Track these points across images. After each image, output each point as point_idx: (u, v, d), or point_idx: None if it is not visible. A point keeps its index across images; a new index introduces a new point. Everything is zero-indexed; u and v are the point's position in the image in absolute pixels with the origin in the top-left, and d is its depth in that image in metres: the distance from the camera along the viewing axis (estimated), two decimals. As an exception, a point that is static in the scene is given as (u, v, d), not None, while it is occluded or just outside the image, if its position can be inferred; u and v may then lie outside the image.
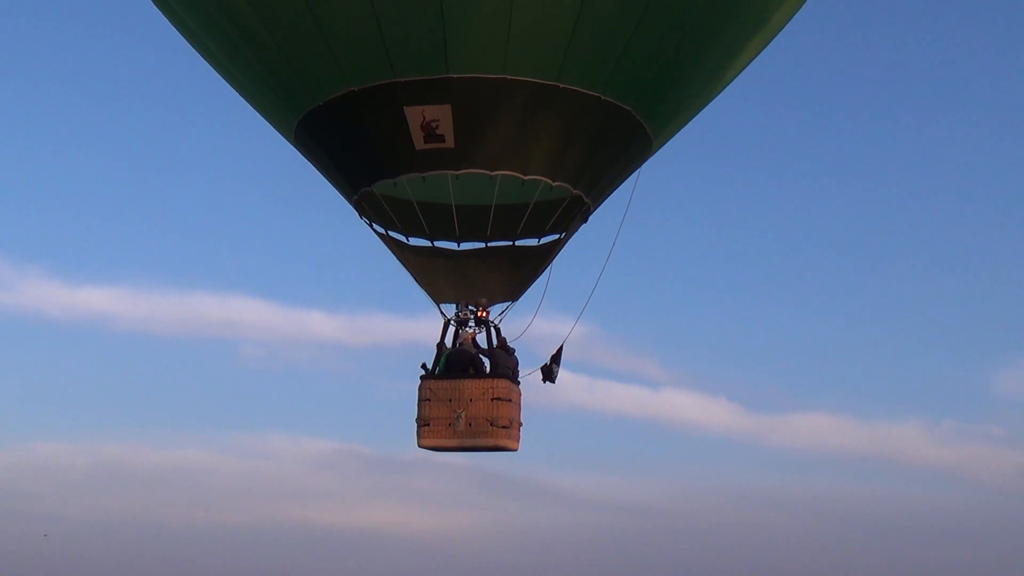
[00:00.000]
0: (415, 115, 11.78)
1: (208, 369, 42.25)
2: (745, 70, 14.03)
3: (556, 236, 13.25)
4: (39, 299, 40.32)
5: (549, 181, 12.31)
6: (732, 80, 13.69)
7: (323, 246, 44.98)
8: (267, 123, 14.00)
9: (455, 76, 11.51)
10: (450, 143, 11.89)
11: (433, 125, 11.83)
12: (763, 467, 39.40)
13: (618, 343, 40.07)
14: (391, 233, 13.31)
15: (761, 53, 13.79)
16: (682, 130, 14.14)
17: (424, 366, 12.91)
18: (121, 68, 44.84)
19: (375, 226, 13.32)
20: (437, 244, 13.20)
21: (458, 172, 12.07)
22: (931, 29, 43.59)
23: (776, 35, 13.56)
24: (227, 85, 13.89)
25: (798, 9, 13.35)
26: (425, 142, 11.94)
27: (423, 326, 13.66)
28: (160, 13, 13.48)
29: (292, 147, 13.80)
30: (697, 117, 14.20)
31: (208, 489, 37.14)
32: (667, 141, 13.60)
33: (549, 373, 13.63)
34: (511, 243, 13.11)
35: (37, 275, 41.13)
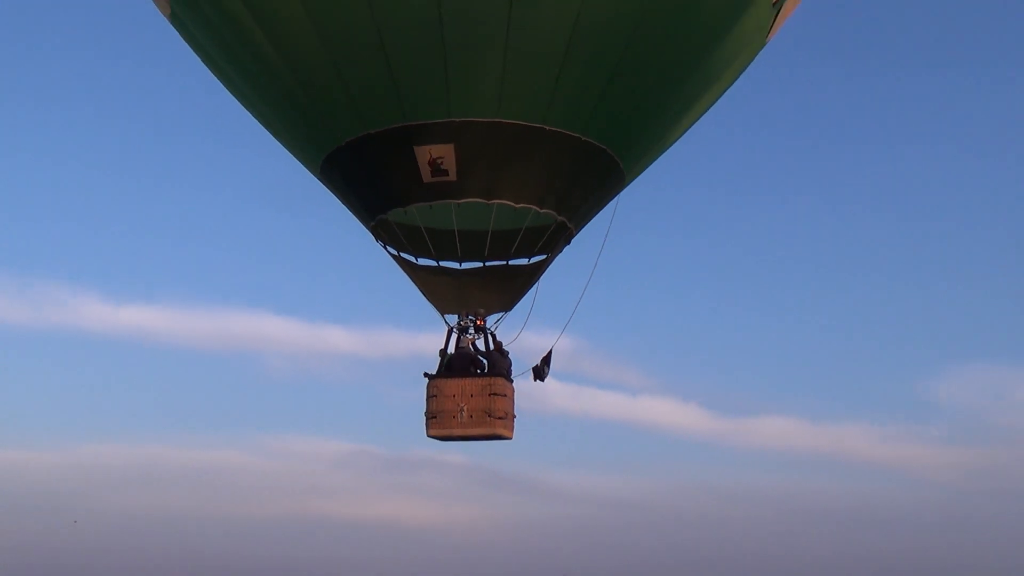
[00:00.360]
0: (423, 153, 13.11)
1: (238, 379, 44.59)
2: (707, 112, 15.33)
3: (543, 256, 14.58)
4: (88, 318, 42.72)
5: (537, 209, 13.63)
6: (696, 121, 15.04)
7: (342, 268, 47.45)
8: (294, 159, 15.28)
9: (457, 120, 12.86)
10: (453, 177, 13.22)
11: (439, 161, 13.14)
12: (730, 465, 41.86)
13: (601, 354, 42.01)
14: (402, 254, 14.67)
15: (721, 96, 15.10)
16: (655, 163, 15.48)
17: (426, 374, 14.21)
18: (167, 109, 47.51)
19: (389, 248, 14.67)
20: (442, 264, 14.53)
21: (460, 201, 13.41)
22: (871, 67, 46.87)
23: (735, 80, 14.93)
24: (260, 125, 15.22)
25: (753, 59, 14.73)
26: (432, 176, 13.25)
27: (428, 340, 15.03)
28: (205, 65, 14.81)
29: (315, 180, 15.06)
30: (668, 150, 15.52)
31: (237, 486, 39.04)
32: (639, 174, 14.93)
33: (539, 373, 14.91)
34: (505, 263, 14.47)
35: (86, 296, 43.61)
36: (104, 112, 47.45)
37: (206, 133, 48.27)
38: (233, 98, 15.13)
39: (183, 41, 14.85)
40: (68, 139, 47.10)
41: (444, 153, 13.09)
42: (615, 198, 15.10)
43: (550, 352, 15.04)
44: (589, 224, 15.22)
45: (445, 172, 13.22)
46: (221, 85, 15.13)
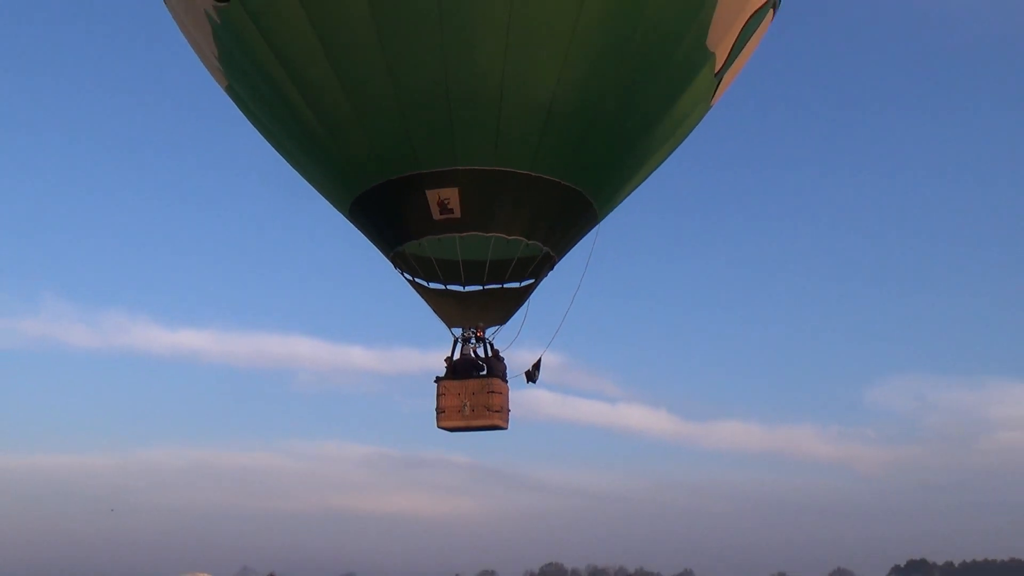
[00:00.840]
0: (433, 196, 15.51)
1: (274, 392, 48.86)
2: (667, 161, 17.71)
3: (531, 280, 16.92)
4: (148, 341, 47.17)
5: (525, 240, 15.98)
6: (655, 170, 17.40)
7: (362, 294, 52.19)
8: (323, 202, 17.57)
9: (461, 168, 15.28)
10: (458, 215, 15.59)
11: (446, 202, 15.49)
12: (695, 462, 46.57)
13: (584, 368, 46.58)
14: (416, 280, 16.98)
15: (677, 149, 17.49)
16: (624, 203, 17.82)
17: (437, 378, 16.44)
18: (219, 161, 52.40)
19: (405, 275, 16.94)
20: (449, 287, 16.95)
21: (463, 234, 15.78)
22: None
23: (687, 136, 17.31)
24: (298, 175, 17.56)
25: (701, 119, 17.15)
26: (440, 214, 15.63)
27: (435, 358, 17.37)
28: (253, 126, 17.18)
29: (342, 220, 17.33)
30: (635, 193, 17.86)
31: (274, 483, 42.56)
32: (610, 212, 17.26)
33: (531, 376, 17.20)
34: (500, 285, 16.88)
35: (146, 322, 48.04)
36: (166, 163, 52.72)
37: (249, 181, 53.16)
38: (276, 152, 17.49)
39: (236, 107, 17.24)
40: (134, 187, 51.96)
41: (450, 195, 15.45)
42: (595, 230, 17.34)
43: (539, 359, 17.32)
44: (574, 251, 17.49)
45: (451, 211, 15.55)
46: (265, 141, 17.49)
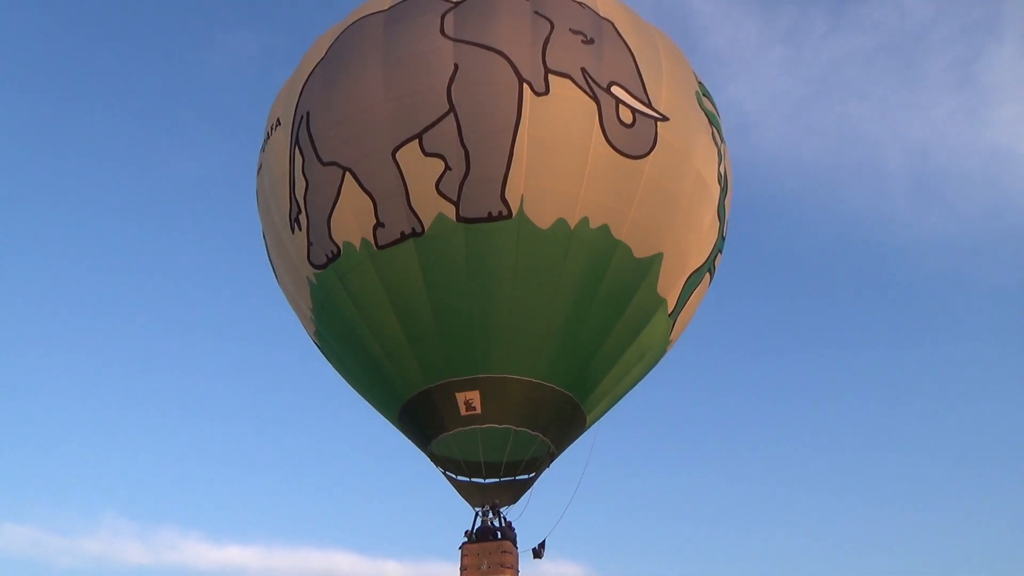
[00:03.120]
0: (461, 397, 20.05)
1: None
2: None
3: (534, 473, 20.86)
4: (197, 556, 50.02)
5: (530, 431, 20.17)
6: (632, 387, 21.94)
7: (395, 510, 55.29)
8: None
9: (482, 376, 19.89)
10: (479, 411, 19.98)
11: (470, 402, 19.99)
12: None
13: None
14: (448, 473, 20.98)
15: (647, 375, 22.21)
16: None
17: (462, 545, 19.94)
18: (287, 385, 58.61)
19: (439, 468, 21.01)
20: (473, 480, 20.87)
21: (483, 427, 20.04)
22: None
23: (651, 369, 22.06)
24: (348, 388, 22.40)
25: (662, 356, 22.02)
26: (466, 411, 20.05)
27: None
28: (327, 360, 22.41)
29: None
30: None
31: None
32: (597, 417, 21.57)
33: (537, 554, 20.49)
34: (513, 479, 20.78)
35: (197, 539, 51.20)
36: (251, 395, 58.74)
37: (303, 405, 59.00)
38: (339, 376, 22.52)
39: (315, 349, 22.63)
40: (202, 412, 57.56)
41: (474, 396, 19.98)
42: (593, 434, 21.59)
43: (544, 540, 20.72)
44: (578, 462, 21.60)
45: (475, 408, 19.99)
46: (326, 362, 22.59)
